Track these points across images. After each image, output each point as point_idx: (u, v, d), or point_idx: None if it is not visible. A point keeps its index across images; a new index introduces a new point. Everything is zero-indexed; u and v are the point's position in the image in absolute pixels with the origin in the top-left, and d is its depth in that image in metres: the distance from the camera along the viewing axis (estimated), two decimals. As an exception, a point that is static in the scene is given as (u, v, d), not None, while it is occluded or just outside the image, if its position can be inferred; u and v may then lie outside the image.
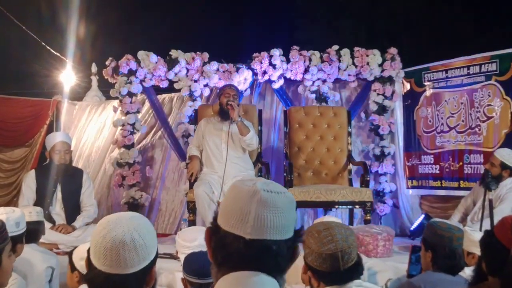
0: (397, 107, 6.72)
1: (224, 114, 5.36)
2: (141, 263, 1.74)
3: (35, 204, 4.79)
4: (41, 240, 3.89)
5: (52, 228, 4.82)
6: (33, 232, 3.60)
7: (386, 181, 6.50)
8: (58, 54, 7.96)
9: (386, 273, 3.66)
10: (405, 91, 6.73)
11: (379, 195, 6.45)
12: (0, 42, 7.59)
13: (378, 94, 6.52)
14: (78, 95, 8.08)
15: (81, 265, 2.72)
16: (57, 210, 5.11)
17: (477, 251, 3.08)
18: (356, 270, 2.30)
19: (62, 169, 5.16)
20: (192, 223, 5.17)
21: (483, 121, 5.95)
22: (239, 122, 5.23)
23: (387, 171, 6.49)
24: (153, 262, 1.80)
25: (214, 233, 1.46)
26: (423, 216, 6.02)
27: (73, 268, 2.63)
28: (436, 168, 6.39)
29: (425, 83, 6.50)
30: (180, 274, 3.13)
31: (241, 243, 1.39)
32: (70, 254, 2.75)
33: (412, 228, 6.04)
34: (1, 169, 8.04)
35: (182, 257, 3.30)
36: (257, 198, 1.41)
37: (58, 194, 5.15)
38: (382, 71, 6.50)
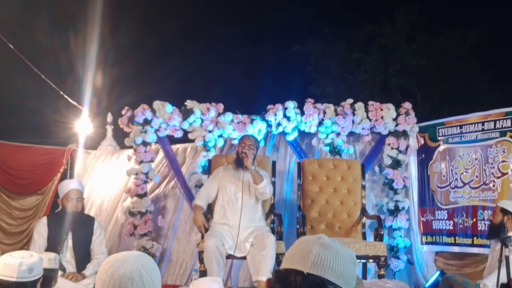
0: (412, 161, 6.69)
1: (239, 163, 5.37)
2: None
3: (47, 251, 4.75)
4: (52, 288, 3.84)
5: (63, 276, 4.76)
6: (46, 280, 3.56)
7: (400, 236, 6.40)
8: (75, 103, 8.07)
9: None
10: (419, 145, 6.71)
11: (393, 250, 6.35)
12: (19, 92, 7.72)
13: (392, 148, 6.51)
14: (93, 144, 8.15)
15: None
16: (68, 257, 5.05)
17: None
18: None
19: (74, 217, 5.14)
20: (203, 273, 5.08)
21: (498, 177, 5.89)
22: (252, 170, 5.23)
23: (401, 226, 6.41)
24: None
25: (275, 274, 1.59)
26: (438, 272, 5.90)
27: None
28: (450, 224, 6.29)
29: (439, 138, 6.48)
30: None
31: (299, 277, 1.51)
32: None
33: (427, 285, 5.91)
34: (13, 217, 8.02)
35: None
36: (321, 242, 1.56)
37: (69, 242, 5.11)
38: (397, 125, 6.51)
